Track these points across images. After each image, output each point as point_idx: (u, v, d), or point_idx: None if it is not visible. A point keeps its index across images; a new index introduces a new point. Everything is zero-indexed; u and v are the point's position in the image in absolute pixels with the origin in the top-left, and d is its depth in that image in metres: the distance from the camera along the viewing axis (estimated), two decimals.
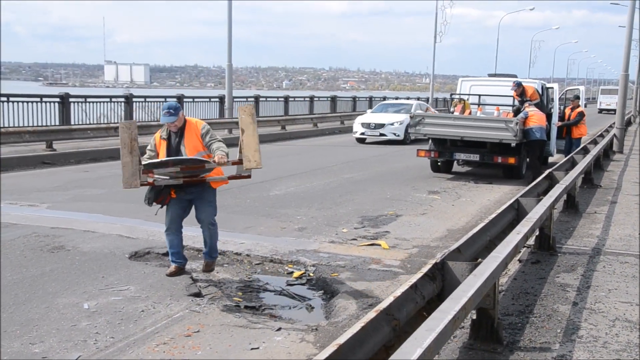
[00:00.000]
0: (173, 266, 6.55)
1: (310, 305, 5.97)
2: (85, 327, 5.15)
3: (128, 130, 5.89)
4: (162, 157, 6.34)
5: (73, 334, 5.00)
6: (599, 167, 15.95)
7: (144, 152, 6.47)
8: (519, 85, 14.60)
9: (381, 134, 22.98)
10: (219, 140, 6.44)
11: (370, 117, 24.16)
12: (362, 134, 23.26)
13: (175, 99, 23.51)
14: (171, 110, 6.30)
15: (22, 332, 4.99)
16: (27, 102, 17.96)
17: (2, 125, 16.72)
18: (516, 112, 14.59)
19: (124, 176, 5.89)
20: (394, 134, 22.96)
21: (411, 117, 14.61)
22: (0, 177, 10.19)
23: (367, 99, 40.78)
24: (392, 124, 23.09)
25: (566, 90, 20.07)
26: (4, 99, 17.39)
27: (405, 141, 22.54)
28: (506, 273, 6.74)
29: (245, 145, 6.14)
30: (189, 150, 6.33)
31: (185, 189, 6.41)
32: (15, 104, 17.54)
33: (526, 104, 14.20)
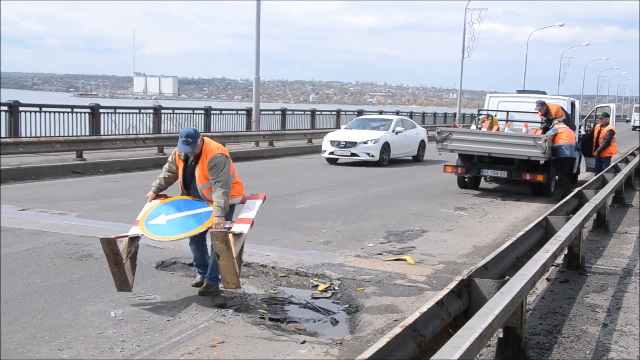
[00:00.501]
0: (198, 277, 6.56)
1: (335, 319, 5.96)
2: (112, 334, 5.20)
3: (109, 245, 5.82)
4: (179, 176, 6.35)
5: (100, 341, 5.05)
6: (630, 186, 15.71)
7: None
8: (542, 104, 14.47)
9: (352, 154, 19.70)
10: (219, 181, 6.03)
11: (342, 134, 20.79)
12: (332, 153, 19.95)
13: (203, 111, 23.76)
14: (189, 139, 5.98)
15: (51, 338, 5.05)
16: (59, 112, 18.31)
17: (34, 135, 17.03)
18: (544, 129, 14.46)
19: (115, 282, 6.01)
20: (368, 154, 19.60)
21: (438, 133, 14.54)
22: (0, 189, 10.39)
23: (394, 113, 40.74)
24: (365, 143, 19.69)
25: (596, 108, 19.85)
26: (37, 109, 17.74)
27: (381, 162, 19.77)
28: (534, 292, 6.65)
29: (222, 269, 5.73)
30: (199, 178, 6.18)
31: None
32: (47, 114, 17.88)
33: (555, 121, 14.07)
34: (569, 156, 13.72)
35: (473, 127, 17.65)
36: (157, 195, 6.49)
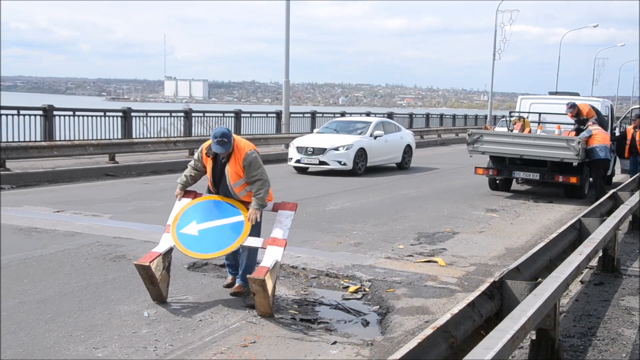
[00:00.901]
0: (230, 277, 6.59)
1: (366, 320, 5.95)
2: (145, 334, 5.27)
3: (143, 270, 5.84)
4: (208, 174, 6.31)
5: (134, 340, 5.12)
6: None
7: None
8: (573, 106, 14.28)
9: (321, 162, 17.19)
10: (259, 179, 6.12)
11: (311, 139, 18.26)
12: (298, 161, 17.52)
13: (233, 114, 23.92)
14: (224, 139, 5.94)
15: (86, 337, 5.14)
16: (92, 116, 18.62)
17: (68, 138, 17.34)
18: (577, 130, 14.27)
19: (151, 295, 6.07)
20: (339, 162, 17.11)
21: (469, 135, 14.44)
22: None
23: (424, 115, 40.58)
24: (336, 149, 17.20)
25: (631, 109, 19.52)
26: (70, 113, 18.05)
27: (355, 171, 17.30)
28: (567, 294, 6.57)
29: (257, 303, 5.71)
30: (232, 175, 6.14)
31: None
32: (81, 117, 18.19)
33: (589, 122, 13.87)
34: (603, 158, 13.49)
35: (499, 128, 17.48)
36: (186, 192, 6.44)
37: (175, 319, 5.64)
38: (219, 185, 6.31)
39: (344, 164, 17.15)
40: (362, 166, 17.69)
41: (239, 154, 6.09)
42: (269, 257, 5.83)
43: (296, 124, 26.96)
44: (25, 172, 14.44)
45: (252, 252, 6.31)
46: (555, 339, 4.65)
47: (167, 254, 6.06)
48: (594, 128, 13.57)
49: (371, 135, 18.36)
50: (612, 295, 6.55)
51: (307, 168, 17.75)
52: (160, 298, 6.00)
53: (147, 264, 5.78)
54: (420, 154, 26.89)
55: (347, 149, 17.34)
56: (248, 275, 5.62)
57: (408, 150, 20.12)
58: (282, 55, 24.60)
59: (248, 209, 6.13)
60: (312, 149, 17.38)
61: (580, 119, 14.31)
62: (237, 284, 6.38)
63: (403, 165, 19.79)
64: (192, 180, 6.48)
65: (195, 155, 6.43)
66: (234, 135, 6.21)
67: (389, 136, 19.11)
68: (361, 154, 17.67)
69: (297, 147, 17.64)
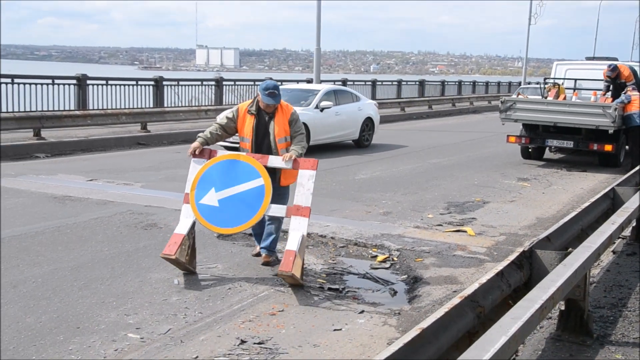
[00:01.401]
0: (257, 247, 6.65)
1: (394, 290, 5.96)
2: (175, 301, 5.36)
3: (169, 259, 5.81)
4: (248, 132, 6.16)
5: (164, 307, 5.21)
6: None
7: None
8: (614, 69, 13.92)
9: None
10: (302, 133, 6.26)
11: None
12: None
13: (271, 79, 23.84)
14: (275, 92, 6.05)
15: (118, 304, 5.25)
16: (124, 85, 18.76)
17: (101, 107, 17.53)
18: (612, 93, 13.94)
19: (178, 268, 6.04)
20: None
21: (502, 102, 14.19)
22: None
23: (456, 83, 40.03)
24: None
25: None
26: (103, 82, 18.22)
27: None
28: (598, 264, 6.50)
29: (289, 283, 5.77)
30: (278, 131, 6.15)
31: None
32: (113, 87, 18.36)
33: (629, 87, 13.53)
34: None
35: (530, 96, 17.12)
36: (200, 152, 6.14)
37: (204, 287, 5.72)
38: (261, 143, 6.19)
39: None
40: None
41: (286, 109, 6.20)
42: (295, 234, 5.69)
43: None
44: (60, 141, 14.68)
45: (279, 225, 6.34)
46: (584, 309, 4.61)
47: (191, 230, 5.97)
48: (633, 94, 13.24)
49: (317, 107, 14.91)
50: None
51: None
52: (188, 271, 6.03)
53: (174, 256, 5.72)
54: (452, 121, 26.64)
55: None
56: (278, 272, 5.62)
57: (368, 124, 16.72)
58: (314, 22, 24.37)
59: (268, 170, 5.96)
60: None
61: (617, 83, 13.95)
62: (264, 254, 6.42)
63: (362, 143, 16.43)
64: (216, 139, 6.32)
65: (230, 114, 6.31)
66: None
67: (341, 108, 15.70)
68: None
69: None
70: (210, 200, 5.91)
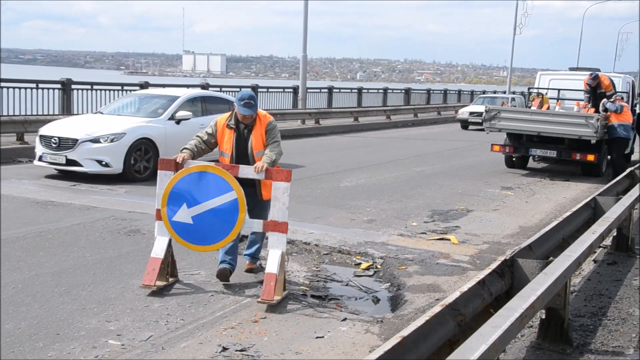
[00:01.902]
0: (220, 266, 6.05)
1: (377, 297, 5.97)
2: (157, 308, 5.33)
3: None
4: (228, 147, 5.91)
5: (146, 314, 5.18)
6: None
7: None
8: (596, 77, 14.09)
9: (69, 161, 10.97)
10: (276, 141, 5.94)
11: (65, 123, 12.10)
12: (40, 158, 11.37)
13: (249, 89, 23.88)
14: (252, 102, 5.78)
15: (99, 310, 5.21)
16: (109, 90, 18.66)
17: (85, 112, 17.43)
18: (594, 105, 14.10)
19: None
20: (99, 163, 11.00)
21: (486, 111, 14.28)
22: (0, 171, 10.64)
23: (442, 91, 40.25)
24: (95, 141, 10.98)
25: None
26: (88, 87, 18.12)
27: (130, 176, 11.18)
28: (579, 273, 6.55)
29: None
30: (255, 144, 5.90)
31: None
32: (98, 91, 18.26)
33: (617, 97, 13.72)
34: (624, 136, 13.39)
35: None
36: (165, 162, 5.81)
37: (186, 294, 5.70)
38: (241, 158, 5.92)
39: (106, 165, 10.97)
40: (144, 167, 11.48)
41: (264, 120, 5.95)
42: (274, 253, 5.54)
43: (313, 99, 26.87)
44: None
45: (263, 235, 6.17)
46: (565, 318, 4.64)
47: (168, 249, 5.77)
48: (624, 104, 13.46)
49: (171, 118, 11.98)
50: (624, 275, 6.52)
51: (59, 170, 11.43)
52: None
53: (154, 287, 5.58)
54: (438, 130, 26.78)
55: (113, 141, 11.05)
56: (258, 300, 5.44)
57: None
58: (301, 29, 24.44)
59: (240, 181, 5.62)
60: (57, 140, 11.16)
61: (598, 92, 14.12)
62: (248, 262, 6.36)
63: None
64: (200, 153, 6.01)
65: (209, 129, 6.04)
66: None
67: (205, 119, 11.96)
68: (143, 147, 11.43)
69: (41, 136, 11.53)
70: (184, 217, 5.62)
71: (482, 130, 15.31)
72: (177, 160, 5.79)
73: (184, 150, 5.91)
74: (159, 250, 5.74)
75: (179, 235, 5.68)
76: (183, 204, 5.61)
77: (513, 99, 28.99)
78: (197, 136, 6.10)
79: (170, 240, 5.76)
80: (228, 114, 6.08)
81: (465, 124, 28.66)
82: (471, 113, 28.13)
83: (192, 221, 5.60)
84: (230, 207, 5.53)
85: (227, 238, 5.62)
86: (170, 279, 5.88)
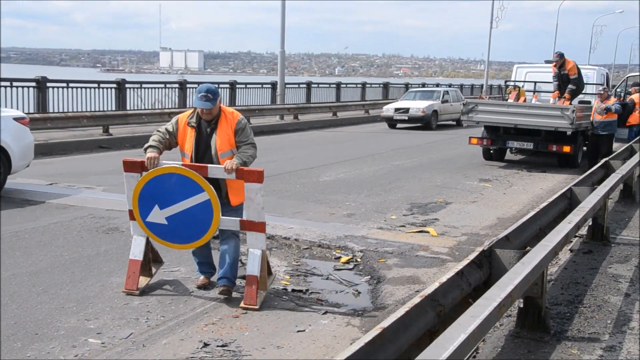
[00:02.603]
0: (201, 277, 5.88)
1: (357, 290, 6.00)
2: (137, 305, 5.31)
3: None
4: (188, 147, 5.48)
5: (126, 312, 5.16)
6: None
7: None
8: (562, 55, 14.22)
9: None
10: (249, 144, 5.48)
11: None
12: None
13: (228, 85, 23.78)
14: (209, 95, 5.32)
15: (78, 309, 5.18)
16: (86, 87, 18.48)
17: (62, 110, 17.24)
18: (560, 87, 14.27)
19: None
20: None
21: (464, 104, 14.39)
22: None
23: (420, 85, 40.38)
24: None
25: (627, 77, 19.44)
26: (64, 84, 17.93)
27: None
28: (556, 262, 6.63)
29: None
30: (220, 144, 5.41)
31: None
32: (75, 89, 18.06)
33: (605, 90, 14.05)
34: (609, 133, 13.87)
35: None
36: (131, 165, 5.49)
37: (166, 291, 5.68)
38: (202, 159, 5.46)
39: None
40: None
41: (231, 117, 5.46)
42: (254, 253, 5.37)
43: (292, 95, 26.83)
44: None
45: (235, 245, 5.62)
46: (542, 306, 4.70)
47: (147, 247, 5.64)
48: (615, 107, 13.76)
49: None
50: (600, 263, 6.61)
51: None
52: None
53: (137, 292, 5.47)
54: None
55: None
56: (240, 305, 5.24)
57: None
58: (279, 24, 24.38)
59: (209, 181, 5.29)
60: None
61: (562, 73, 14.26)
62: (222, 284, 5.53)
63: None
64: (165, 147, 5.58)
65: (170, 127, 5.58)
66: (224, 106, 5.63)
67: None
68: None
69: None
70: (157, 218, 5.42)
71: (415, 128, 15.01)
72: (146, 162, 5.36)
73: (150, 150, 5.43)
74: (137, 251, 5.60)
75: (155, 234, 5.53)
76: (155, 205, 5.40)
77: (446, 92, 26.22)
78: (158, 131, 5.63)
79: (147, 239, 5.66)
80: (190, 110, 5.65)
81: (392, 123, 24.23)
82: (397, 110, 24.09)
83: (166, 222, 5.41)
84: (203, 208, 5.29)
85: (206, 236, 5.41)
86: (154, 270, 5.85)
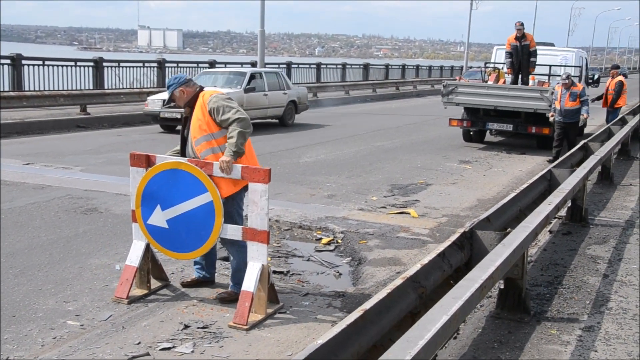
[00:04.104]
0: (194, 275, 5.48)
1: (338, 272, 6.00)
2: (116, 287, 5.25)
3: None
4: (180, 141, 5.21)
5: (105, 293, 5.11)
6: (637, 139, 15.59)
7: None
8: (522, 24, 14.22)
9: None
10: (233, 120, 4.84)
11: None
12: None
13: (207, 65, 23.52)
14: (167, 90, 5.09)
15: (57, 291, 5.11)
16: (62, 65, 18.18)
17: (38, 89, 16.95)
18: (521, 59, 14.19)
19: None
20: None
21: (444, 86, 14.40)
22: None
23: (400, 67, 40.34)
24: None
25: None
26: (40, 62, 17.61)
27: None
28: (536, 244, 6.68)
29: None
30: (194, 129, 4.98)
31: None
32: (51, 67, 17.76)
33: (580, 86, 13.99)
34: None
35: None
36: (136, 158, 5.13)
37: None
38: (185, 151, 5.17)
39: None
40: None
41: (202, 102, 4.98)
42: (253, 266, 4.76)
43: None
44: None
45: (238, 249, 5.09)
46: (522, 287, 4.73)
47: (145, 253, 5.16)
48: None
49: None
50: (579, 245, 6.68)
51: None
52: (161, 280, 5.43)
53: (126, 300, 4.97)
54: (396, 105, 26.87)
55: None
56: (229, 324, 4.63)
57: None
58: (258, 3, 24.10)
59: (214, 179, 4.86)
60: None
61: (523, 44, 14.19)
62: (228, 289, 5.20)
63: None
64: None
65: None
66: (206, 89, 5.19)
67: None
68: None
69: None
70: (158, 220, 5.02)
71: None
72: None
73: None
74: (134, 257, 5.12)
75: (155, 240, 5.08)
76: (157, 205, 5.00)
77: (258, 76, 16.84)
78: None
79: (147, 245, 5.17)
80: None
81: (160, 121, 15.51)
82: (165, 102, 12.44)
83: (167, 225, 4.99)
84: (205, 211, 4.84)
85: (205, 245, 4.93)
86: (156, 285, 5.29)
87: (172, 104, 5.22)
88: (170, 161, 4.98)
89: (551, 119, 12.86)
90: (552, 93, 13.04)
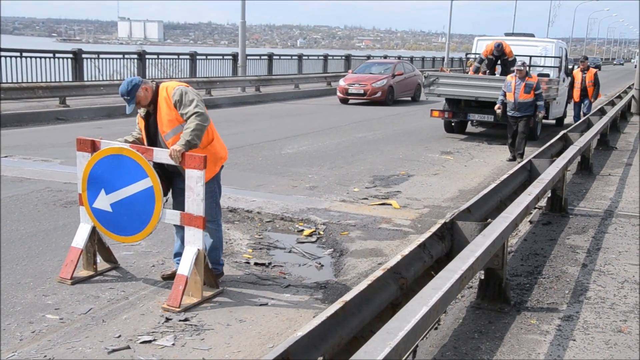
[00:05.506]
0: (175, 268, 5.30)
1: (320, 263, 6.00)
2: (97, 280, 5.21)
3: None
4: (145, 139, 5.18)
5: (85, 287, 5.07)
6: (615, 129, 15.76)
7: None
8: (499, 46, 14.62)
9: None
10: (192, 114, 4.85)
11: None
12: None
13: (188, 56, 23.36)
14: (125, 97, 4.99)
15: (36, 284, 5.06)
16: (41, 57, 17.94)
17: (15, 81, 16.72)
18: (504, 72, 14.44)
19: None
20: None
21: (425, 77, 14.44)
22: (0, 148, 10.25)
23: (382, 57, 40.33)
24: None
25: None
26: (17, 54, 17.37)
27: None
28: (516, 234, 6.73)
29: None
30: (164, 124, 4.98)
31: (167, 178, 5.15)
32: (29, 59, 17.52)
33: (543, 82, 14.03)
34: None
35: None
36: (82, 143, 5.26)
37: (128, 265, 5.59)
38: (153, 147, 5.08)
39: None
40: None
41: (166, 95, 4.96)
42: (188, 251, 4.85)
43: (253, 67, 26.53)
44: None
45: (216, 228, 5.27)
46: (502, 278, 4.77)
47: (92, 236, 5.30)
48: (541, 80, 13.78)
49: None
50: (558, 235, 6.73)
51: None
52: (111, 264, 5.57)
53: (69, 281, 5.11)
54: None
55: None
56: (162, 306, 4.74)
57: None
58: None
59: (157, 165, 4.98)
60: None
61: (504, 59, 14.59)
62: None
63: None
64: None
65: (136, 127, 5.31)
66: (163, 83, 5.14)
67: None
68: None
69: None
70: (103, 204, 5.13)
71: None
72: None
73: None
74: (79, 239, 5.27)
75: (100, 223, 5.21)
76: (101, 189, 5.12)
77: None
78: (131, 134, 5.38)
79: (93, 228, 5.29)
80: None
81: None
82: None
83: (111, 209, 5.11)
84: (146, 196, 4.94)
85: (146, 229, 5.01)
86: (104, 267, 5.44)
87: (140, 109, 5.15)
88: (114, 146, 5.08)
89: (498, 111, 12.02)
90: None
